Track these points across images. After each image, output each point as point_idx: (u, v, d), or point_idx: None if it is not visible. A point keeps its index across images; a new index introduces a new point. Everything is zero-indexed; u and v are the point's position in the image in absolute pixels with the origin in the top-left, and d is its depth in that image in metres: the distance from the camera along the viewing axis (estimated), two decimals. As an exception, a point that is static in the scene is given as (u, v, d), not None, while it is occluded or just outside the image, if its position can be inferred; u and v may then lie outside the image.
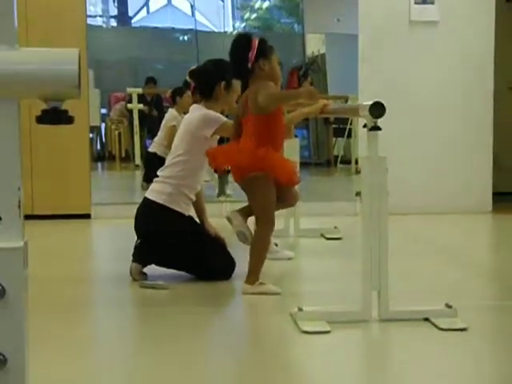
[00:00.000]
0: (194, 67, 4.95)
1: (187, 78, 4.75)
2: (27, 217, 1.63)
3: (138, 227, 4.62)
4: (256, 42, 4.16)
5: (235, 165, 4.18)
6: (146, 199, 4.61)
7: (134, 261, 4.55)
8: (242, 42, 4.21)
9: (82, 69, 1.46)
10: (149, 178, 6.60)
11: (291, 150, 5.61)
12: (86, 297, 4.41)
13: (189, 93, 7.58)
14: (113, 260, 5.33)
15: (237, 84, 4.54)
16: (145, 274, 4.53)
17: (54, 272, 4.78)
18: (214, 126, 4.48)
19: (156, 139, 8.63)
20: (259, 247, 4.20)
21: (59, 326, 3.56)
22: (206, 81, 4.65)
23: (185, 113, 5.30)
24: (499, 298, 4.36)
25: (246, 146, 4.10)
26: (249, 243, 4.27)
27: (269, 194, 4.18)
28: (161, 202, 4.50)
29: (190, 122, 4.60)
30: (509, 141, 8.86)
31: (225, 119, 4.55)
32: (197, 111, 4.61)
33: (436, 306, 3.60)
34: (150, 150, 8.77)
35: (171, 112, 8.56)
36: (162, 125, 8.57)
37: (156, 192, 4.56)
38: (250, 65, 4.12)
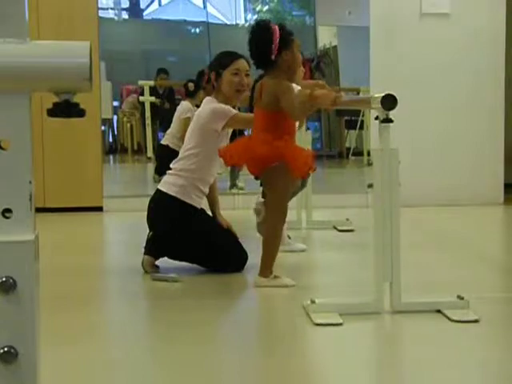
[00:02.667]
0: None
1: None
2: (39, 209, 1.63)
3: (150, 220, 4.62)
4: (277, 33, 4.05)
5: (254, 158, 4.10)
6: (158, 191, 4.61)
7: (146, 253, 4.56)
8: (262, 35, 4.08)
9: (94, 61, 1.46)
10: (161, 170, 6.61)
11: (303, 142, 5.60)
12: (98, 289, 4.43)
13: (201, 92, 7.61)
14: (125, 252, 5.34)
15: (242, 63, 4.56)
16: (157, 266, 4.54)
17: (65, 264, 4.79)
18: (223, 119, 4.47)
19: (169, 131, 8.62)
20: (272, 239, 4.18)
21: (71, 319, 3.57)
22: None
23: (197, 106, 5.31)
24: (511, 289, 4.35)
25: (262, 138, 4.07)
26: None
27: (286, 185, 4.16)
28: (173, 194, 4.50)
29: (200, 116, 4.60)
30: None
31: (235, 112, 4.54)
32: (207, 104, 4.61)
33: (448, 298, 3.60)
34: (163, 142, 8.77)
35: (185, 104, 8.54)
36: (175, 117, 8.56)
37: (168, 184, 4.56)
38: (273, 57, 4.05)
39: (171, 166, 4.65)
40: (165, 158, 6.69)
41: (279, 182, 4.10)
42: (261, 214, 4.37)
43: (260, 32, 4.14)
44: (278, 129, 4.06)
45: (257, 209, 4.42)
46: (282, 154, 4.03)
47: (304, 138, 5.70)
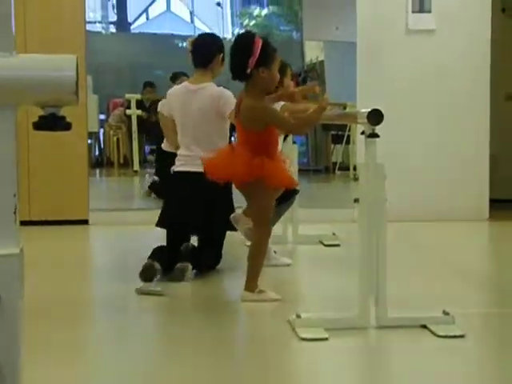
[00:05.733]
0: (193, 38, 5.17)
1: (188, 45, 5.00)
2: (24, 222, 1.62)
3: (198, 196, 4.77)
4: (259, 46, 4.00)
5: (234, 175, 4.13)
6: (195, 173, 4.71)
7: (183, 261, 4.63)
8: (243, 45, 4.07)
9: (81, 75, 1.46)
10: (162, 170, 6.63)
11: (290, 156, 5.60)
12: (81, 302, 4.40)
13: (184, 78, 7.57)
14: (109, 265, 5.31)
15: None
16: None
17: (49, 277, 4.78)
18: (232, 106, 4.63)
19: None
20: (257, 254, 4.18)
21: (54, 334, 3.56)
22: (207, 50, 4.94)
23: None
24: (496, 305, 4.36)
25: (242, 155, 4.07)
26: None
27: (267, 199, 4.16)
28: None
29: (213, 104, 4.83)
30: (506, 148, 8.88)
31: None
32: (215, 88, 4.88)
33: (433, 313, 3.60)
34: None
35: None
36: None
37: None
38: (248, 70, 4.02)
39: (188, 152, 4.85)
40: (162, 160, 6.73)
41: (261, 197, 4.10)
42: (240, 221, 4.37)
43: (241, 41, 4.14)
44: (257, 145, 4.05)
45: (234, 217, 4.42)
46: (258, 173, 4.02)
47: (290, 153, 5.70)
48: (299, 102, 4.46)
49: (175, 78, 8.51)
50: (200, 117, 4.86)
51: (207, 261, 4.84)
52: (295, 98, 4.42)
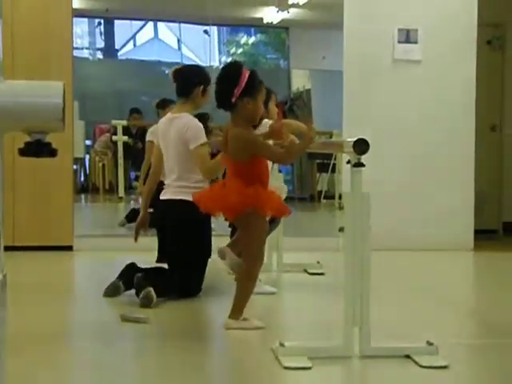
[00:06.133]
0: (177, 67, 5.23)
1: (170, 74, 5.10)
2: (8, 248, 1.62)
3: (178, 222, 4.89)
4: (246, 76, 4.01)
5: (227, 207, 4.10)
6: (178, 201, 4.84)
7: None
8: (230, 73, 4.07)
9: (68, 101, 1.46)
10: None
11: (275, 185, 5.59)
12: (64, 329, 4.37)
13: (172, 106, 7.58)
14: (93, 292, 5.28)
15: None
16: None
17: (34, 301, 4.75)
18: (202, 138, 4.86)
19: None
20: (247, 284, 4.15)
21: (34, 359, 3.53)
22: (187, 81, 5.06)
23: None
24: (480, 336, 4.36)
25: (234, 186, 4.06)
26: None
27: (260, 231, 4.14)
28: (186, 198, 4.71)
29: (180, 135, 4.90)
30: (490, 178, 8.94)
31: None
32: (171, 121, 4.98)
33: (417, 344, 3.60)
34: None
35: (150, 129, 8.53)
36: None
37: (187, 194, 4.69)
38: (233, 99, 4.03)
39: (173, 182, 4.95)
40: None
41: (253, 227, 4.09)
42: (226, 255, 4.35)
43: (229, 70, 4.15)
44: (249, 176, 4.05)
45: (220, 252, 4.40)
46: (252, 202, 4.02)
47: (276, 181, 5.69)
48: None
49: (163, 104, 8.51)
50: (174, 146, 4.97)
51: (181, 286, 4.86)
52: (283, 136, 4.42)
